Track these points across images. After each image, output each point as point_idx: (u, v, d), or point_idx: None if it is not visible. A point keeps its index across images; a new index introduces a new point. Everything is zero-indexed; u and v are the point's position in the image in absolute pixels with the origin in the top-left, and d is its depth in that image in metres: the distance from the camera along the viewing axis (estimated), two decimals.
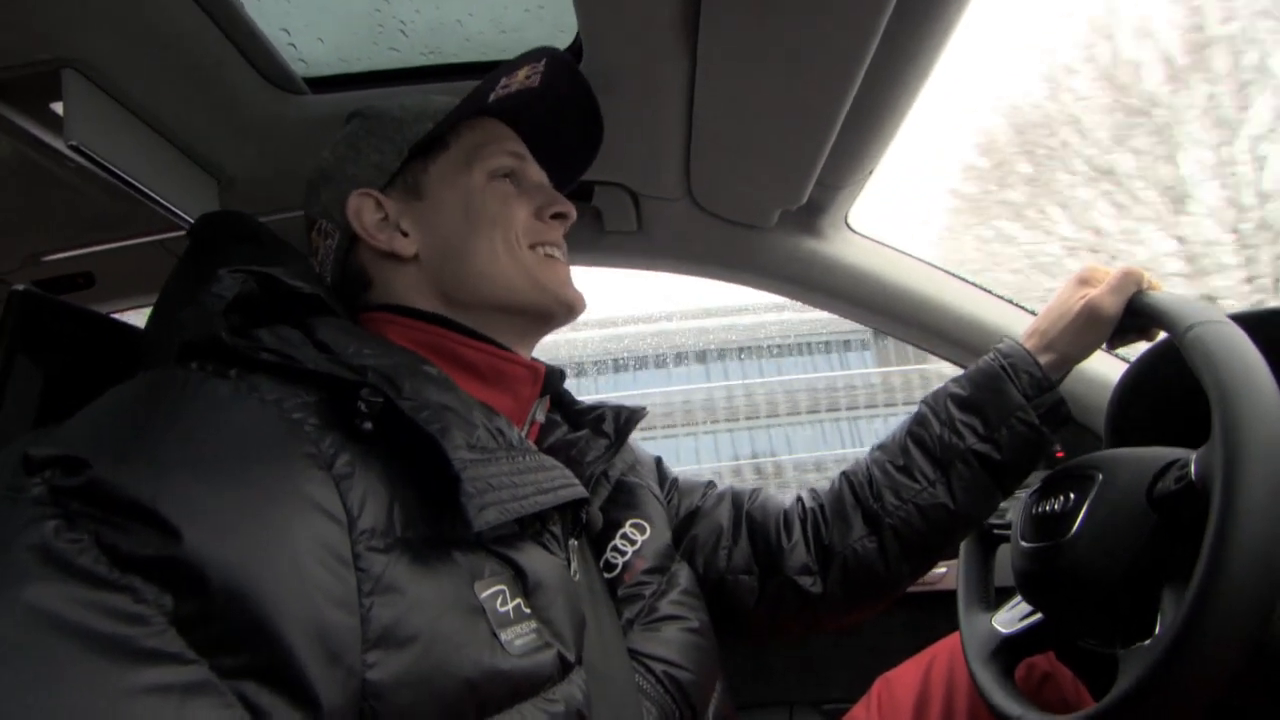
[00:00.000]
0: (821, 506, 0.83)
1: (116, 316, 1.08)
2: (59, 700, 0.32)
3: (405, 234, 0.67)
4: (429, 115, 0.69)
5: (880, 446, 0.82)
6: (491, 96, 0.67)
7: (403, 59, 0.90)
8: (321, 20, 0.85)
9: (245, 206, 0.97)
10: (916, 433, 0.79)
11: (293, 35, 0.84)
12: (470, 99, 0.65)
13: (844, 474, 0.84)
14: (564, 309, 0.69)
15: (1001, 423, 0.75)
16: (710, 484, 0.89)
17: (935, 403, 0.80)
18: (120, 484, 0.38)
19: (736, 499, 0.86)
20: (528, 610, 0.51)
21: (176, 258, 0.80)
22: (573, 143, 0.80)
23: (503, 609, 0.49)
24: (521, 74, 0.67)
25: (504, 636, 0.48)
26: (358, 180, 0.68)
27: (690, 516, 0.84)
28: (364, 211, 0.67)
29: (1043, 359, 0.77)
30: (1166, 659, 0.54)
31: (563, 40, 0.86)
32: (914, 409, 0.82)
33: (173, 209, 0.87)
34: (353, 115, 0.74)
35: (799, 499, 0.86)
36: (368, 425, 0.47)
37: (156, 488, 0.39)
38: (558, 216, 0.70)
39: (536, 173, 0.73)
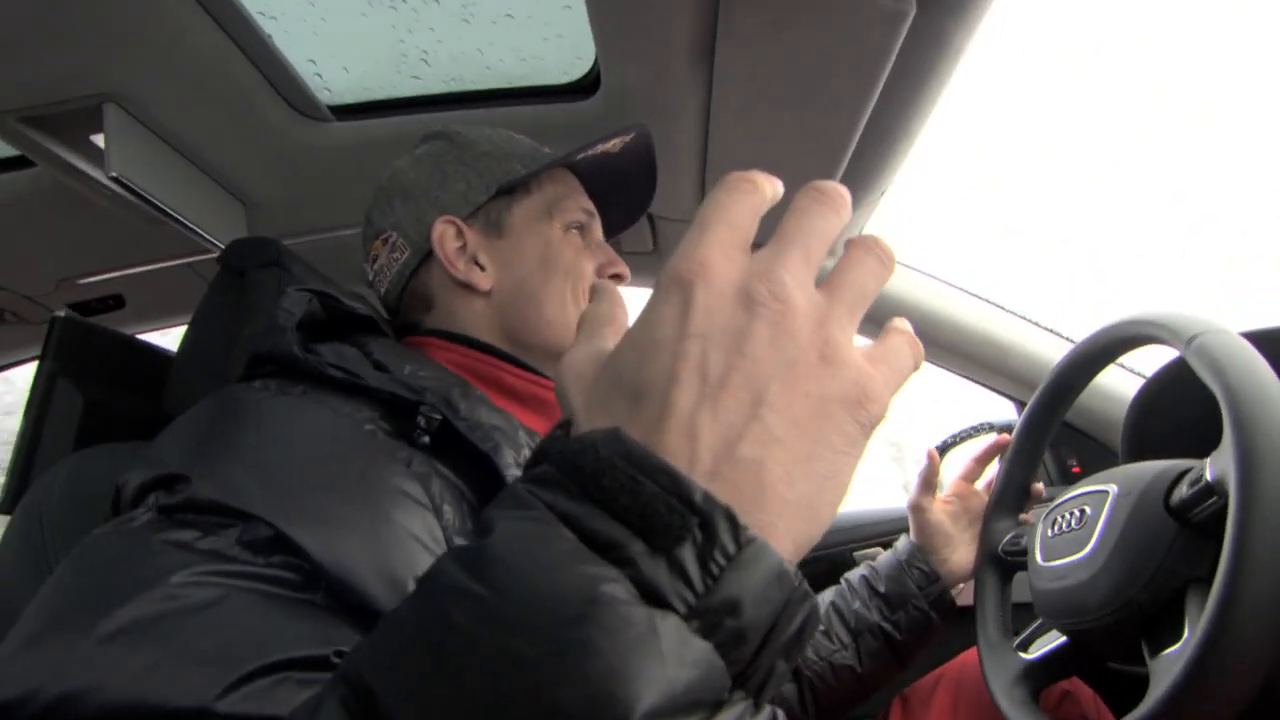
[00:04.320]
0: None
1: (144, 338, 1.10)
2: (265, 636, 0.34)
3: (482, 268, 0.69)
4: (516, 156, 0.72)
5: None
6: (580, 155, 0.70)
7: (425, 87, 0.93)
8: (346, 50, 0.87)
9: (271, 230, 0.99)
10: (838, 604, 0.94)
11: (319, 65, 0.87)
12: (567, 155, 0.69)
13: None
14: None
15: (900, 607, 0.90)
16: None
17: (854, 582, 0.95)
18: (228, 494, 0.40)
19: None
20: None
21: (205, 280, 0.83)
22: (619, 211, 0.83)
23: None
24: (613, 141, 0.71)
25: None
26: (441, 204, 0.70)
27: None
28: (446, 238, 0.69)
29: (931, 556, 0.91)
30: (1199, 658, 0.53)
31: (581, 68, 0.89)
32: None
33: (202, 234, 0.90)
34: (433, 136, 0.75)
35: None
36: (425, 440, 0.50)
37: (267, 495, 0.40)
38: (615, 277, 0.73)
39: (599, 230, 0.76)
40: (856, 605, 0.92)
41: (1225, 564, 0.52)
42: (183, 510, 0.40)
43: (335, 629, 0.37)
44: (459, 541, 0.46)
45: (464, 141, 0.72)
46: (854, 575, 0.96)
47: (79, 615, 0.35)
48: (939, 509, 0.93)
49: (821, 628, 0.91)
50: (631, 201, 0.82)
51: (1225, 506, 0.55)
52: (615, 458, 0.23)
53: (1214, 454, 0.60)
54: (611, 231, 0.84)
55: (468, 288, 0.68)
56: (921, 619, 0.89)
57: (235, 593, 0.36)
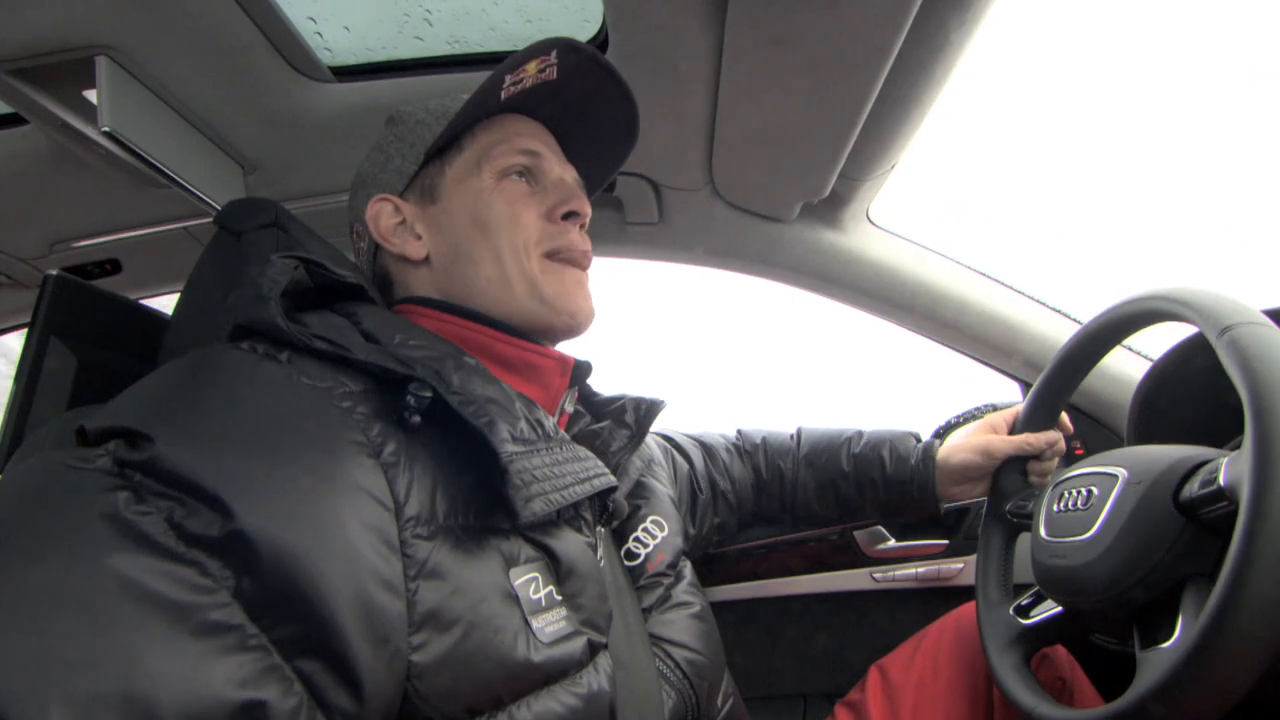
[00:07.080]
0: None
1: (143, 302, 1.09)
2: (136, 659, 0.34)
3: (419, 237, 0.67)
4: (449, 116, 0.67)
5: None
6: (503, 94, 0.65)
7: (427, 48, 0.90)
8: (348, 9, 0.85)
9: (270, 193, 0.98)
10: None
11: (319, 24, 0.85)
12: (476, 99, 0.64)
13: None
14: (564, 323, 0.66)
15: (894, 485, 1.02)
16: (728, 449, 1.07)
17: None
18: (182, 463, 0.40)
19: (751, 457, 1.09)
20: (559, 598, 0.53)
21: (202, 245, 0.81)
22: (607, 132, 0.76)
23: (535, 596, 0.50)
24: (532, 67, 0.65)
25: (535, 624, 0.49)
26: (380, 185, 0.69)
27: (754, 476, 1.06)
28: (381, 216, 0.68)
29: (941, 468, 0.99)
30: (1187, 662, 0.53)
31: (589, 30, 0.86)
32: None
33: (200, 195, 0.88)
34: (389, 120, 0.73)
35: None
36: (416, 419, 0.48)
37: (218, 470, 0.40)
38: (569, 216, 0.68)
39: (556, 169, 0.70)
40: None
41: (1226, 576, 0.52)
42: (136, 469, 0.40)
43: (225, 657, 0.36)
44: (420, 536, 0.45)
45: (402, 117, 0.71)
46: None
47: None
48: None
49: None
50: (611, 125, 0.75)
51: (1235, 512, 0.54)
52: None
53: (1231, 456, 0.59)
54: (610, 165, 0.80)
55: (405, 260, 0.67)
56: (901, 501, 1.01)
57: (135, 604, 0.35)
